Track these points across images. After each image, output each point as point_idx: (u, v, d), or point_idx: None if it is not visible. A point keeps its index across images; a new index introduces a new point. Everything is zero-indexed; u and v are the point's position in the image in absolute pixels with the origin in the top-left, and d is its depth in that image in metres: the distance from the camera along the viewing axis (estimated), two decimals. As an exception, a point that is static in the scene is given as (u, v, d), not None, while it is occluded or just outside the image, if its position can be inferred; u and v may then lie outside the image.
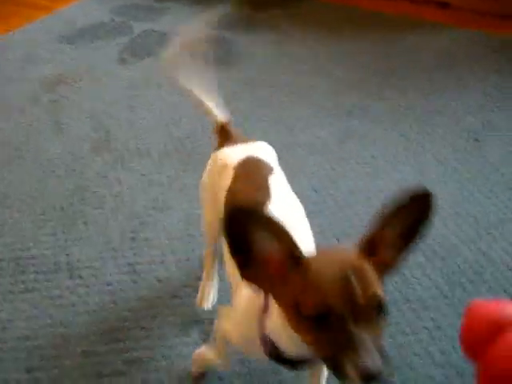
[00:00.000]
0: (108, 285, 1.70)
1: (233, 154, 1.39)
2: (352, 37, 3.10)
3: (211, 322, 1.56)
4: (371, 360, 0.81)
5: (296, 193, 1.99)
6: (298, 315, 0.87)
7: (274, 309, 0.96)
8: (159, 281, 1.70)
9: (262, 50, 2.98)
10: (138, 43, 3.07)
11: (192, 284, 1.68)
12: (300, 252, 0.88)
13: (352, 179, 2.08)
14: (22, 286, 1.70)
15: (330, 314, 0.83)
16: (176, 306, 1.62)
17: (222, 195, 1.30)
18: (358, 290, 0.84)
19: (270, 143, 2.23)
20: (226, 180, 1.31)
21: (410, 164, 2.16)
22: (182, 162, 2.18)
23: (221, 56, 2.90)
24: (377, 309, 0.85)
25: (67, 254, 1.81)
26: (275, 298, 0.92)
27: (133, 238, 1.85)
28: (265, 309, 1.02)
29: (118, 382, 1.45)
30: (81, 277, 1.73)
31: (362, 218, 1.89)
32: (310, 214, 1.92)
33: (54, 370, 1.49)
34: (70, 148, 2.29)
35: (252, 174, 1.32)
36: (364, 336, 0.83)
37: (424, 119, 2.43)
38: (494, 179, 2.10)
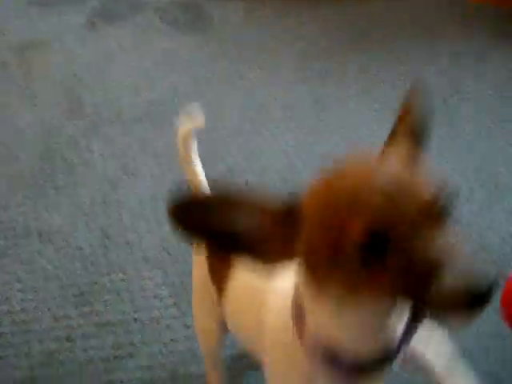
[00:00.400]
0: (79, 249, 1.70)
1: None
2: (323, 2, 3.07)
3: (182, 281, 1.58)
4: (478, 267, 0.57)
5: (271, 162, 2.00)
6: (332, 259, 0.61)
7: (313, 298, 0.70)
8: (130, 244, 1.70)
9: (234, 15, 2.94)
10: (109, 8, 3.02)
11: (162, 246, 1.69)
12: (285, 202, 0.66)
13: (324, 146, 2.08)
14: (-8, 252, 1.69)
15: (387, 238, 0.58)
16: (147, 269, 1.63)
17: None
18: (407, 195, 0.60)
19: (242, 112, 2.25)
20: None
21: (383, 128, 2.16)
22: (153, 126, 2.17)
23: (192, 22, 2.87)
24: (439, 209, 0.61)
25: (37, 219, 1.80)
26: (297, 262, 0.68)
27: (103, 203, 1.84)
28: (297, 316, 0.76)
29: (89, 345, 1.46)
30: (51, 242, 1.72)
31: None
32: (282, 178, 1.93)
33: (25, 334, 1.49)
34: (41, 114, 2.26)
35: None
36: (446, 244, 0.59)
37: (397, 84, 2.43)
38: (461, 139, 2.11)
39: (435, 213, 0.61)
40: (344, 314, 0.67)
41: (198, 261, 1.10)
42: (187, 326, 1.46)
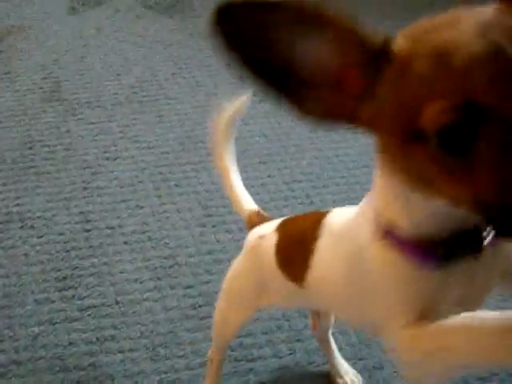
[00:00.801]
0: (60, 234, 1.71)
1: (271, 224, 1.05)
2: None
3: (162, 265, 1.60)
4: None
5: (244, 140, 2.01)
6: (414, 137, 0.51)
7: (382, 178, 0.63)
8: (111, 228, 1.72)
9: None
10: (89, -9, 3.01)
11: (142, 230, 1.71)
12: (368, 37, 0.52)
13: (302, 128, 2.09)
14: (-27, 238, 1.71)
15: (478, 117, 0.47)
16: (128, 253, 1.65)
17: (268, 278, 0.99)
18: None
19: (221, 93, 2.25)
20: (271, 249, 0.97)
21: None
22: (133, 110, 2.18)
23: (172, 4, 2.86)
24: None
25: (18, 205, 1.81)
26: (368, 128, 0.57)
27: (85, 188, 1.85)
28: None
29: (72, 328, 1.48)
30: (33, 227, 1.74)
31: (312, 164, 1.92)
32: (261, 161, 1.95)
33: (9, 318, 1.50)
34: (20, 99, 2.26)
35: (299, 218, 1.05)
36: None
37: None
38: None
39: None
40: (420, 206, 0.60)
41: (252, 254, 1.04)
42: (167, 309, 1.49)
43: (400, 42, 0.52)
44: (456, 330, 0.62)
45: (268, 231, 1.00)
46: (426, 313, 0.66)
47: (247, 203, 1.13)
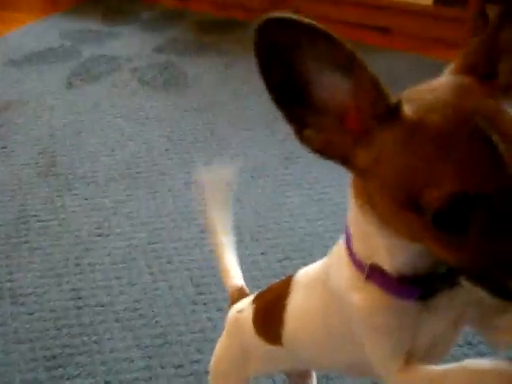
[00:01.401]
0: (51, 311, 1.71)
1: (249, 298, 1.10)
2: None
3: (153, 344, 1.59)
4: None
5: (236, 216, 2.03)
6: (408, 207, 0.57)
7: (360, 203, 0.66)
8: (103, 306, 1.72)
9: (210, 73, 3.02)
10: (87, 68, 3.08)
11: (134, 307, 1.71)
12: (389, 96, 0.58)
13: (294, 203, 2.12)
14: (-36, 314, 1.70)
15: (469, 204, 0.53)
16: (119, 331, 1.64)
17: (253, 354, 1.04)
18: (510, 154, 0.53)
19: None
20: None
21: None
22: (127, 186, 2.20)
23: (168, 81, 2.94)
24: None
25: (10, 281, 1.81)
26: (357, 171, 0.61)
27: (77, 264, 1.86)
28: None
29: (60, 409, 1.46)
30: (24, 303, 1.73)
31: (304, 240, 1.93)
32: (253, 238, 1.97)
33: (-5, 398, 1.49)
34: (16, 173, 2.29)
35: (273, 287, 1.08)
36: None
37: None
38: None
39: None
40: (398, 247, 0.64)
41: (232, 328, 1.08)
42: (158, 389, 1.48)
43: (408, 109, 0.57)
44: (455, 373, 0.66)
45: (245, 305, 1.06)
46: (414, 352, 0.71)
47: (233, 279, 1.17)
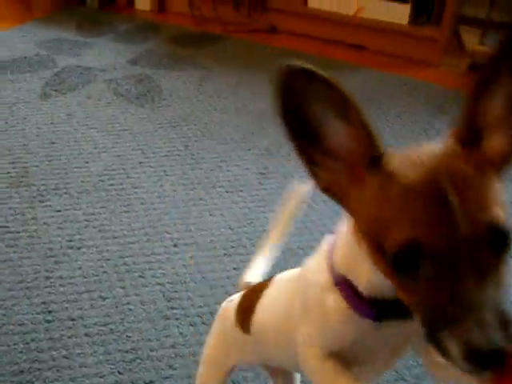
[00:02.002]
0: (20, 324, 1.68)
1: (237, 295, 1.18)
2: (268, 73, 3.17)
3: (124, 359, 1.57)
4: (483, 333, 0.55)
5: (210, 231, 2.04)
6: (378, 248, 0.63)
7: (347, 228, 0.74)
8: (73, 320, 1.70)
9: (184, 87, 3.02)
10: (61, 78, 3.06)
11: (104, 322, 1.69)
12: (379, 145, 0.64)
13: (268, 218, 2.12)
14: None
15: (420, 252, 0.59)
16: (89, 345, 1.62)
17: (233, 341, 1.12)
18: (461, 214, 0.58)
19: (189, 182, 2.28)
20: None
21: (328, 201, 2.22)
22: (100, 198, 2.19)
23: (142, 94, 2.93)
24: (494, 242, 0.59)
25: (-22, 293, 1.78)
26: (349, 210, 0.68)
27: (47, 277, 1.83)
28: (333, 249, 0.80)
29: (27, 425, 1.43)
30: (-8, 317, 1.70)
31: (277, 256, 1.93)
32: (227, 253, 1.97)
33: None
34: (-14, 183, 2.26)
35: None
36: (472, 290, 0.57)
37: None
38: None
39: (484, 247, 0.59)
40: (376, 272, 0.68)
41: (221, 316, 1.17)
42: (127, 406, 1.46)
43: (388, 162, 0.64)
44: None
45: (236, 296, 1.14)
46: (343, 356, 0.79)
47: (249, 275, 1.24)
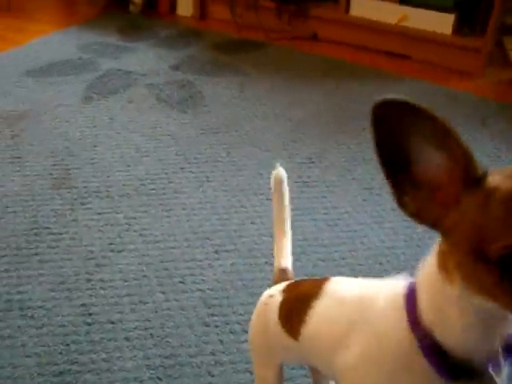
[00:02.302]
0: (60, 326, 1.68)
1: (282, 284, 1.16)
2: (313, 82, 3.16)
3: (163, 364, 1.56)
4: None
5: (251, 238, 2.02)
6: (479, 257, 0.63)
7: (437, 280, 0.72)
8: (113, 323, 1.69)
9: (226, 93, 3.02)
10: (104, 81, 3.09)
11: (145, 327, 1.68)
12: (478, 167, 0.65)
13: (308, 227, 2.10)
14: (-28, 325, 1.67)
15: None
16: (129, 349, 1.61)
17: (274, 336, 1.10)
18: None
19: (230, 189, 2.27)
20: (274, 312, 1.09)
21: (368, 212, 2.20)
22: (141, 202, 2.19)
23: (184, 99, 2.93)
24: None
25: (20, 293, 1.78)
26: (443, 230, 0.68)
27: (88, 280, 1.84)
28: (409, 297, 0.77)
29: (66, 427, 1.43)
30: (33, 317, 1.71)
31: (318, 266, 1.91)
32: (268, 261, 1.94)
33: (0, 413, 1.46)
34: (29, 184, 2.28)
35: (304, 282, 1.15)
36: None
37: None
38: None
39: None
40: (471, 311, 0.69)
41: (261, 310, 1.14)
42: (167, 412, 1.45)
43: (490, 179, 0.64)
44: None
45: (277, 291, 1.12)
46: None
47: (282, 259, 1.21)
